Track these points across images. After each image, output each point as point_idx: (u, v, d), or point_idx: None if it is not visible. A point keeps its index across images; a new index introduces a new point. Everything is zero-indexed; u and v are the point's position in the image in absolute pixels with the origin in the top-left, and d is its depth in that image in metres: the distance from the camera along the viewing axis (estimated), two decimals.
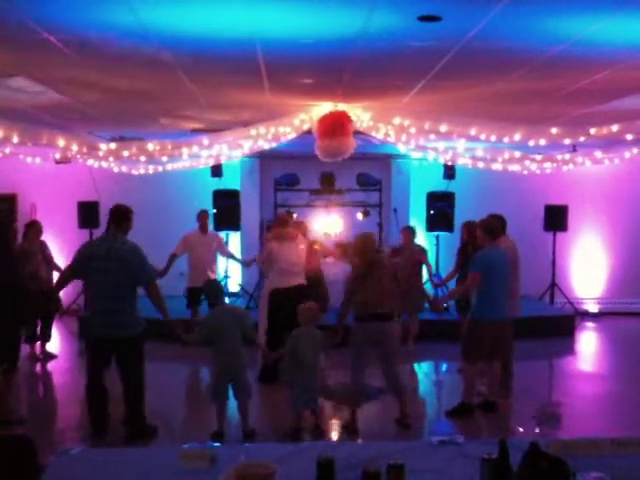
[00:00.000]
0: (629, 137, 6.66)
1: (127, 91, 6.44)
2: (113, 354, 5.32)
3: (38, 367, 7.97)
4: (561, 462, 2.54)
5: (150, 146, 7.81)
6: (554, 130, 6.82)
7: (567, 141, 7.25)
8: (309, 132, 7.45)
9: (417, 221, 11.45)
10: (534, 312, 9.86)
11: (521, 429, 5.75)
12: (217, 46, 4.86)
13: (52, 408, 6.71)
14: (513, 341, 6.49)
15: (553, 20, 4.20)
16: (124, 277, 5.19)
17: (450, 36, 4.54)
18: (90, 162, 9.49)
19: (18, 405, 6.34)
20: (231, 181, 11.30)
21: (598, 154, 9.00)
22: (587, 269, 11.90)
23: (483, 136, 6.95)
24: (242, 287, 11.15)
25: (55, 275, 7.62)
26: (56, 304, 7.90)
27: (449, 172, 11.00)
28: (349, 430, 5.57)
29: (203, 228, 8.86)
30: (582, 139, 6.97)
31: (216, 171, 10.88)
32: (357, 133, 7.53)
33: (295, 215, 9.46)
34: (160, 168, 9.83)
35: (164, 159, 9.06)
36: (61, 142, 7.17)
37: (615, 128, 6.45)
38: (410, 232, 8.72)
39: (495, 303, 5.87)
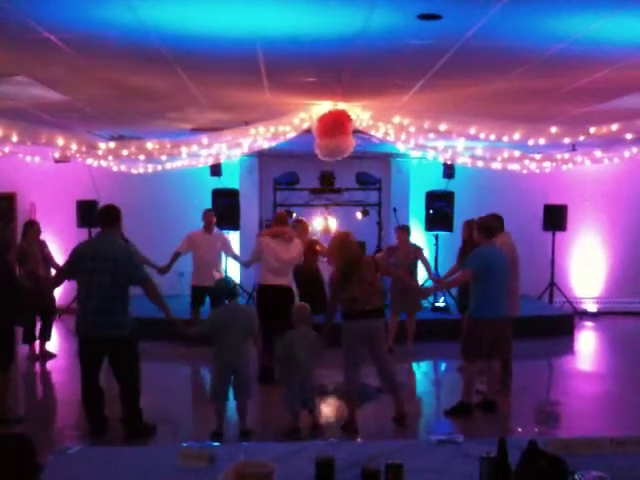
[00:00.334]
0: (629, 136, 6.65)
1: (126, 90, 6.44)
2: (105, 354, 5.33)
3: (37, 366, 7.97)
4: (560, 461, 2.54)
5: (149, 145, 7.81)
6: (554, 129, 6.82)
7: (567, 140, 7.24)
8: (309, 131, 7.44)
9: (416, 220, 11.46)
10: (533, 311, 9.86)
11: (520, 429, 5.75)
12: (217, 45, 4.85)
13: (51, 407, 6.70)
14: (512, 340, 6.50)
15: (553, 19, 4.19)
16: (114, 277, 5.17)
17: (450, 35, 4.53)
18: (89, 161, 9.48)
19: (16, 404, 6.33)
20: (230, 180, 11.30)
21: (597, 153, 9.00)
22: (586, 269, 11.91)
23: (482, 135, 6.95)
24: (241, 287, 11.13)
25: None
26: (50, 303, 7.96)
27: (448, 171, 11.00)
28: (348, 429, 5.56)
29: (208, 227, 8.86)
30: (582, 138, 6.96)
31: (215, 170, 10.87)
32: (357, 132, 7.53)
33: (295, 214, 9.47)
34: (159, 167, 9.82)
35: (163, 158, 9.06)
36: (60, 141, 7.17)
37: (615, 127, 6.44)
38: (405, 231, 8.73)
39: (494, 301, 5.87)
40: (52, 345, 8.42)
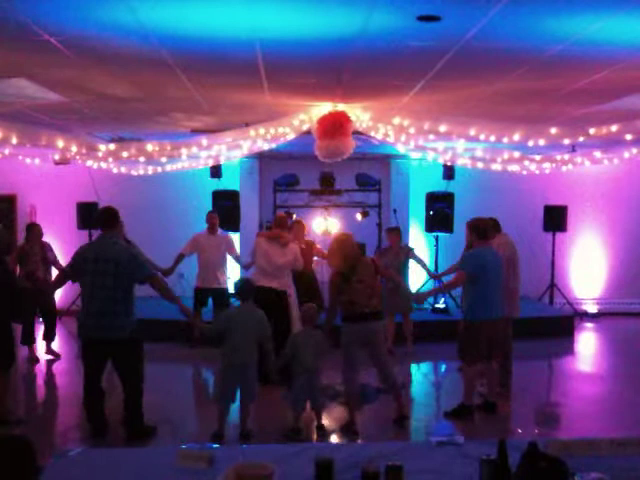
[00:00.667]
0: (628, 137, 6.66)
1: (126, 91, 6.43)
2: (107, 356, 5.34)
3: (37, 368, 7.96)
4: (560, 462, 2.54)
5: (149, 147, 7.81)
6: (553, 130, 6.82)
7: (566, 141, 7.24)
8: (308, 132, 7.44)
9: (416, 221, 11.46)
10: (533, 312, 9.87)
11: (520, 430, 5.74)
12: (216, 46, 4.85)
13: (51, 409, 6.70)
14: (511, 340, 6.50)
15: (552, 20, 4.19)
16: (116, 279, 5.17)
17: (449, 36, 4.53)
18: (89, 163, 9.48)
19: (16, 406, 6.32)
20: (230, 182, 11.29)
21: (597, 154, 9.01)
22: (586, 269, 11.91)
23: (482, 136, 6.95)
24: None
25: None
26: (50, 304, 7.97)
27: (448, 172, 10.99)
28: (348, 431, 5.56)
29: (212, 229, 8.85)
30: (581, 139, 6.97)
31: (215, 172, 10.86)
32: (356, 133, 7.53)
33: (294, 216, 9.46)
34: (159, 169, 9.82)
35: (163, 160, 9.05)
36: (60, 143, 7.17)
37: (614, 128, 6.44)
38: (396, 233, 8.75)
39: (488, 303, 5.85)
40: (53, 347, 8.40)
